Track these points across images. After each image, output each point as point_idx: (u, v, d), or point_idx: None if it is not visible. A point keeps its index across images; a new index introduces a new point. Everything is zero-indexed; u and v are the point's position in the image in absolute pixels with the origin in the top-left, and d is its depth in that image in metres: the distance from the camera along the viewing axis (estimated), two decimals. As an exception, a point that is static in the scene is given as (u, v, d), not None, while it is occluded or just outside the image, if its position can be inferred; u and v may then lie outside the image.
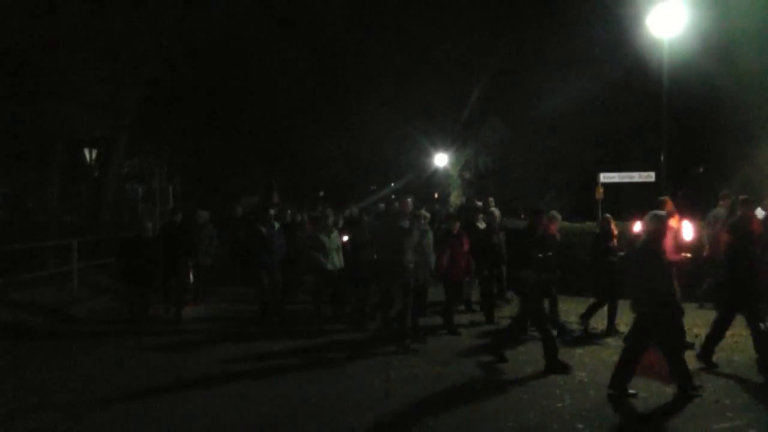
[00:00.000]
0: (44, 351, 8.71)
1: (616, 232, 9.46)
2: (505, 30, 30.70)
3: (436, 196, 37.64)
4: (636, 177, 17.86)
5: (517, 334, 8.37)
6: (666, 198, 9.14)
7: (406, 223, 8.78)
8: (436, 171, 35.71)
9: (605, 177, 17.06)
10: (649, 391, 6.56)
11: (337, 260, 10.16)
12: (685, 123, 23.85)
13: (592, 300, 9.57)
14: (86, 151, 19.16)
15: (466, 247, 9.74)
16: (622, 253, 9.10)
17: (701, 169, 29.11)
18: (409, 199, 9.39)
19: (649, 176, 16.05)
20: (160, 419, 5.97)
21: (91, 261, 13.75)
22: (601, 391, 6.56)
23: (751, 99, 20.75)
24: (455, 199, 32.30)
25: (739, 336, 8.62)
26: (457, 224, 9.83)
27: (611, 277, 9.02)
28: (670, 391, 6.54)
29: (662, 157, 13.62)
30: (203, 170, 25.47)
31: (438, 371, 7.41)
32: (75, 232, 15.08)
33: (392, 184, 38.76)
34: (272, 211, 10.92)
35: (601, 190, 16.29)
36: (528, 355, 8.04)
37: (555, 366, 7.29)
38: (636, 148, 27.05)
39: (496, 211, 10.86)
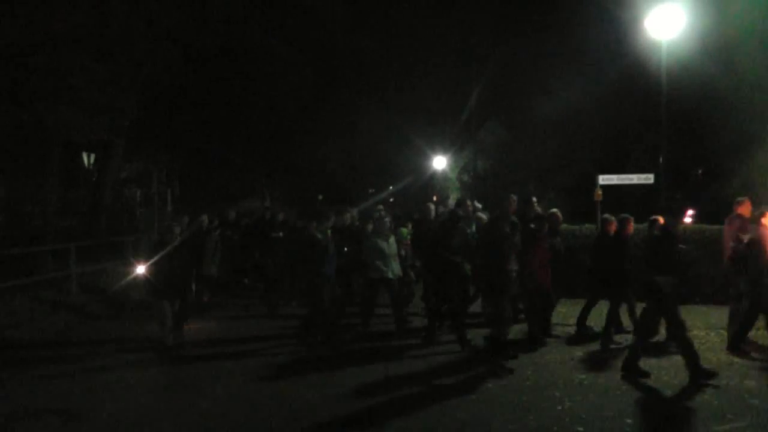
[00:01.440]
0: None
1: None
2: (504, 32, 30.71)
3: (435, 198, 37.64)
4: (635, 179, 17.84)
5: (647, 342, 7.56)
6: (746, 199, 8.88)
7: (508, 228, 7.81)
8: (434, 174, 35.66)
9: (604, 179, 17.03)
10: (648, 394, 6.54)
11: (396, 267, 9.69)
12: (685, 125, 23.87)
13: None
14: (84, 155, 19.18)
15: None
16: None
17: (700, 171, 29.13)
18: (515, 198, 8.21)
19: (648, 178, 16.02)
20: None
21: (87, 266, 13.69)
22: (601, 393, 6.53)
23: (750, 101, 20.75)
24: (454, 201, 32.27)
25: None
26: (547, 226, 9.06)
27: None
28: (668, 393, 6.52)
29: (661, 159, 13.60)
30: (202, 174, 25.46)
31: (437, 374, 7.38)
32: (73, 236, 15.04)
33: (391, 187, 38.75)
34: (333, 218, 10.12)
35: (600, 192, 16.26)
36: (528, 358, 8.01)
37: (699, 373, 6.89)
38: (635, 149, 27.08)
39: (558, 213, 9.80)
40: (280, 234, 12.21)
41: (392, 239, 9.81)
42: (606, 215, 9.38)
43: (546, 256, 8.83)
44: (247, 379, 7.33)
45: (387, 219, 10.30)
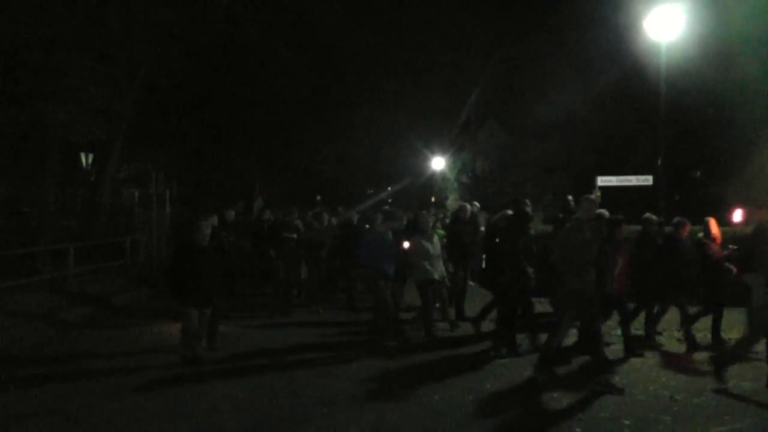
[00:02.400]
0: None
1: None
2: (503, 34, 30.75)
3: (433, 199, 37.66)
4: (634, 180, 17.89)
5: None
6: None
7: (589, 233, 7.04)
8: (433, 174, 35.72)
9: (603, 180, 17.07)
10: (647, 394, 6.53)
11: (441, 268, 9.37)
12: (683, 126, 23.89)
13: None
14: (82, 156, 19.11)
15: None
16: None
17: (699, 173, 29.15)
18: (593, 198, 7.22)
19: (647, 180, 16.07)
20: None
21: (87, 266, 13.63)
22: (599, 394, 6.52)
23: (749, 102, 20.77)
24: (452, 202, 32.28)
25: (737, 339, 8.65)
26: (622, 228, 8.43)
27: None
28: (667, 393, 6.52)
29: (660, 161, 13.60)
30: (200, 174, 25.40)
31: (436, 375, 7.36)
32: (71, 236, 15.01)
33: (389, 188, 38.76)
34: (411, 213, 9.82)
35: (598, 193, 16.28)
36: (526, 360, 7.99)
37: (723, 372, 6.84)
38: (634, 151, 27.10)
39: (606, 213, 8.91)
40: (294, 236, 11.43)
41: (436, 239, 9.47)
42: (648, 215, 9.08)
43: (626, 261, 8.25)
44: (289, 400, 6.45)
45: (431, 219, 9.99)
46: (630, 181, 17.83)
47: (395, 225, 9.39)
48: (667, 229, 9.52)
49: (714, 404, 6.23)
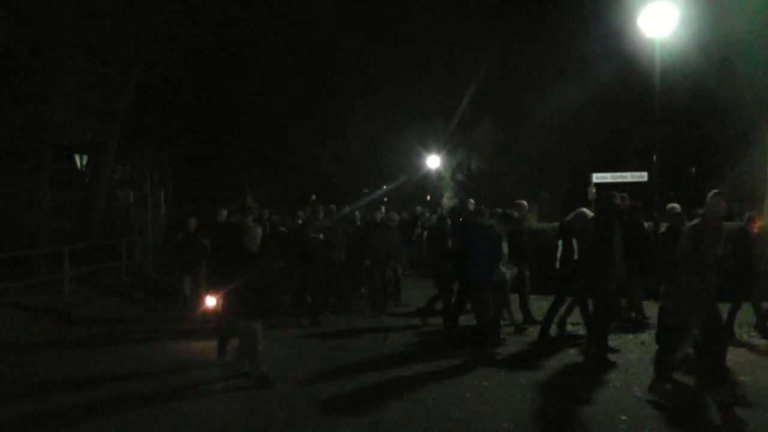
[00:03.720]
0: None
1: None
2: (498, 32, 30.80)
3: (428, 198, 37.65)
4: (629, 177, 17.95)
5: None
6: None
7: (714, 232, 6.41)
8: (428, 173, 35.71)
9: (598, 177, 17.12)
10: (644, 391, 6.53)
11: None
12: (678, 123, 23.97)
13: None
14: (77, 157, 19.06)
15: None
16: None
17: (694, 169, 29.23)
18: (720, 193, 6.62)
19: (642, 176, 16.10)
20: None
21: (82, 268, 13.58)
22: (597, 391, 6.53)
23: (744, 99, 20.82)
24: (448, 201, 32.29)
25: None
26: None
27: None
28: (666, 388, 6.52)
29: (654, 158, 13.60)
30: (195, 175, 25.36)
31: (435, 373, 7.35)
32: (66, 239, 14.92)
33: (384, 187, 38.75)
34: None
35: (593, 190, 16.32)
36: (523, 357, 8.00)
37: None
38: (629, 148, 27.17)
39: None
40: (321, 236, 10.57)
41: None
42: (749, 213, 9.05)
43: None
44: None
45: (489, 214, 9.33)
46: (625, 177, 17.88)
47: (511, 227, 8.96)
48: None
49: (713, 399, 6.24)
